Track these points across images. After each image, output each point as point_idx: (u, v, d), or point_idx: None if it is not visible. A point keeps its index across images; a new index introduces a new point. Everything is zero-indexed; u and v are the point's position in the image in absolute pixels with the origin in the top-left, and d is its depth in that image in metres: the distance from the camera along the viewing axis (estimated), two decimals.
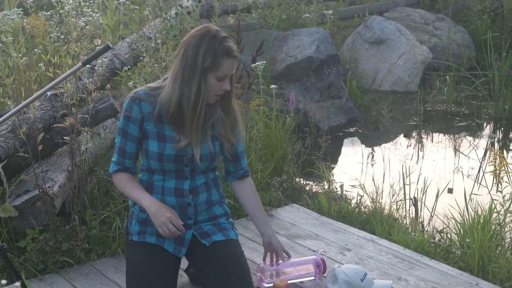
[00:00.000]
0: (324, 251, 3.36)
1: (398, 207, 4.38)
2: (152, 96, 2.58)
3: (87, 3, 6.53)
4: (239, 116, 2.75)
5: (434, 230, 4.10)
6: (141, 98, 2.58)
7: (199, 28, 2.54)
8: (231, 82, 2.59)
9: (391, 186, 4.64)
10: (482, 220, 3.58)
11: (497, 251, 3.53)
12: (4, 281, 1.59)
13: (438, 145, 6.38)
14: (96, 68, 3.95)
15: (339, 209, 4.16)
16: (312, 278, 3.17)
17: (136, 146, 2.64)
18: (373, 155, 6.09)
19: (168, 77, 2.57)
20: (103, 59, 4.27)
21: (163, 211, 2.53)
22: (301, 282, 3.15)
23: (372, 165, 5.71)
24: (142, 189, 2.64)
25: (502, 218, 3.66)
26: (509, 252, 3.54)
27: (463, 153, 6.04)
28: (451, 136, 6.73)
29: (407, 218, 4.31)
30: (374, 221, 4.00)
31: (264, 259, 2.96)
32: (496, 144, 6.47)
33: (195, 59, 2.47)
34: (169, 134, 2.58)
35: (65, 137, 3.62)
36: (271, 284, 3.00)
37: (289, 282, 3.05)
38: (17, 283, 1.47)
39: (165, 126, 2.58)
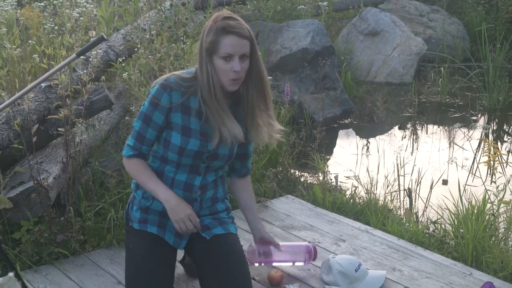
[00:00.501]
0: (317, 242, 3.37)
1: (392, 198, 4.40)
2: (183, 87, 2.48)
3: None
4: (273, 118, 2.68)
5: (429, 221, 4.11)
6: (172, 87, 2.47)
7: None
8: (252, 63, 2.48)
9: (386, 177, 4.65)
10: (476, 211, 3.59)
11: (491, 241, 3.54)
12: None
13: (432, 136, 6.40)
14: (90, 59, 3.94)
15: (333, 200, 4.17)
16: (302, 263, 3.18)
17: (157, 134, 2.55)
18: (367, 146, 6.10)
19: None
20: (98, 51, 4.27)
21: (183, 207, 2.52)
22: (292, 264, 3.17)
23: (367, 156, 5.72)
24: (158, 180, 2.56)
25: (496, 208, 3.67)
26: (502, 243, 3.55)
27: (457, 144, 6.05)
28: (446, 127, 6.75)
29: (402, 209, 4.32)
30: (368, 212, 4.01)
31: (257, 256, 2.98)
32: (490, 135, 6.49)
33: (201, 42, 2.45)
34: (195, 128, 2.52)
35: (59, 129, 3.61)
36: (261, 264, 3.04)
37: (278, 264, 3.08)
38: (11, 273, 1.47)
39: (191, 119, 2.52)
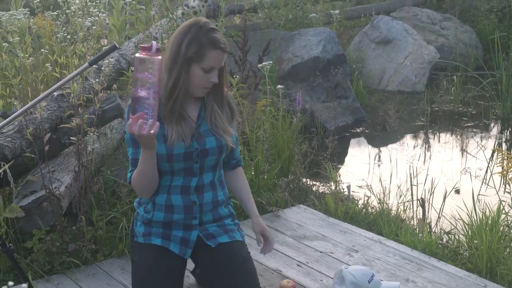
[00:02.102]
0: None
1: (405, 208, 4.36)
2: None
3: (94, 3, 6.53)
4: (235, 105, 2.73)
5: (442, 231, 4.07)
6: None
7: (189, 20, 2.53)
8: (221, 75, 2.56)
9: (398, 187, 4.62)
10: (490, 221, 3.56)
11: (506, 253, 3.50)
12: (11, 283, 1.59)
13: (445, 145, 6.36)
14: (102, 68, 3.94)
15: (346, 210, 4.15)
16: None
17: None
18: (380, 155, 6.07)
19: None
20: (110, 59, 4.27)
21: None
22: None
23: (379, 165, 5.69)
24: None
25: (511, 219, 3.64)
26: None
27: (470, 154, 6.01)
28: (459, 136, 6.70)
29: (415, 219, 4.29)
30: (381, 222, 3.98)
31: (258, 242, 2.82)
32: (503, 145, 6.44)
33: (178, 48, 2.45)
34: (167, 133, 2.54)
35: (71, 138, 3.61)
36: None
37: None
38: (24, 285, 1.47)
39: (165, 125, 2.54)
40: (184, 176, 2.59)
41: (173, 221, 2.61)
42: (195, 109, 2.63)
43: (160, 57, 2.21)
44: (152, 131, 2.25)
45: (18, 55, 5.49)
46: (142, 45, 2.22)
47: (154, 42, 2.22)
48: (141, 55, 2.21)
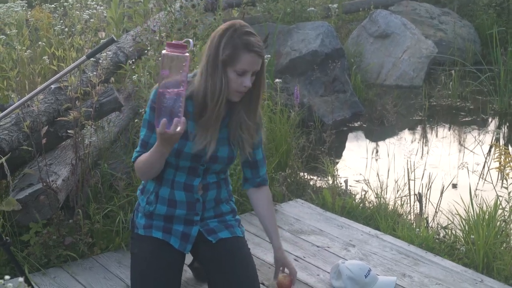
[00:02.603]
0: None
1: (402, 202, 4.37)
2: None
3: None
4: (261, 122, 2.68)
5: (439, 226, 4.08)
6: None
7: (226, 23, 2.50)
8: (258, 83, 2.51)
9: (396, 182, 4.62)
10: (487, 217, 3.56)
11: (502, 248, 3.51)
12: (7, 276, 1.59)
13: (443, 140, 6.36)
14: (100, 61, 3.93)
15: (343, 205, 4.15)
16: None
17: None
18: (377, 150, 6.07)
19: (197, 72, 2.52)
20: (107, 52, 4.26)
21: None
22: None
23: (377, 160, 5.69)
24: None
25: (508, 214, 3.64)
26: None
27: (468, 149, 6.01)
28: (456, 131, 6.71)
29: (412, 213, 4.29)
30: (378, 216, 3.99)
31: (275, 277, 2.81)
32: (501, 140, 6.44)
33: (216, 51, 2.42)
34: (193, 132, 2.51)
35: (69, 131, 3.60)
36: None
37: None
38: (21, 279, 1.46)
39: (189, 122, 2.48)
40: (187, 174, 2.58)
41: (175, 216, 2.61)
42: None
43: (188, 54, 2.18)
44: (178, 129, 2.22)
45: (16, 47, 5.47)
46: (172, 42, 2.19)
47: (190, 41, 2.21)
48: (172, 52, 2.17)
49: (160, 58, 2.29)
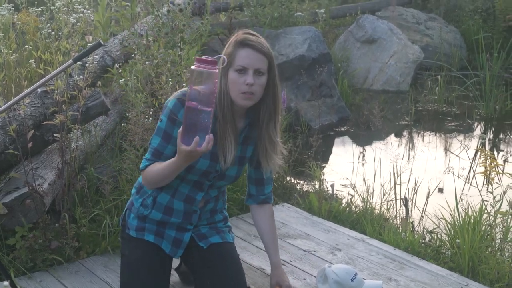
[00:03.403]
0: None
1: (388, 207, 4.38)
2: None
3: (79, 0, 6.48)
4: (279, 150, 2.64)
5: (425, 231, 4.10)
6: None
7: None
8: (272, 92, 2.49)
9: (382, 186, 4.64)
10: (472, 221, 3.59)
11: (487, 252, 3.53)
12: None
13: (429, 145, 6.39)
14: (87, 65, 3.92)
15: (329, 209, 4.16)
16: None
17: (175, 150, 2.36)
18: (364, 154, 6.09)
19: None
20: (94, 56, 4.25)
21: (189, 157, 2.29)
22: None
23: (363, 164, 5.71)
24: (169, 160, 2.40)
25: (493, 219, 3.67)
26: (499, 253, 3.54)
27: (454, 153, 6.05)
28: (442, 136, 6.74)
29: (398, 218, 4.31)
30: (364, 221, 4.00)
31: None
32: (487, 144, 6.48)
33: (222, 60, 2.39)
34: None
35: (55, 135, 3.59)
36: None
37: None
38: (6, 282, 1.46)
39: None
40: (192, 186, 2.56)
41: (168, 222, 2.61)
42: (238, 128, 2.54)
43: (217, 70, 2.15)
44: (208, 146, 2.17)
45: (2, 51, 5.45)
46: (203, 58, 2.14)
47: (224, 57, 2.23)
48: (202, 68, 2.13)
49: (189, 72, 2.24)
